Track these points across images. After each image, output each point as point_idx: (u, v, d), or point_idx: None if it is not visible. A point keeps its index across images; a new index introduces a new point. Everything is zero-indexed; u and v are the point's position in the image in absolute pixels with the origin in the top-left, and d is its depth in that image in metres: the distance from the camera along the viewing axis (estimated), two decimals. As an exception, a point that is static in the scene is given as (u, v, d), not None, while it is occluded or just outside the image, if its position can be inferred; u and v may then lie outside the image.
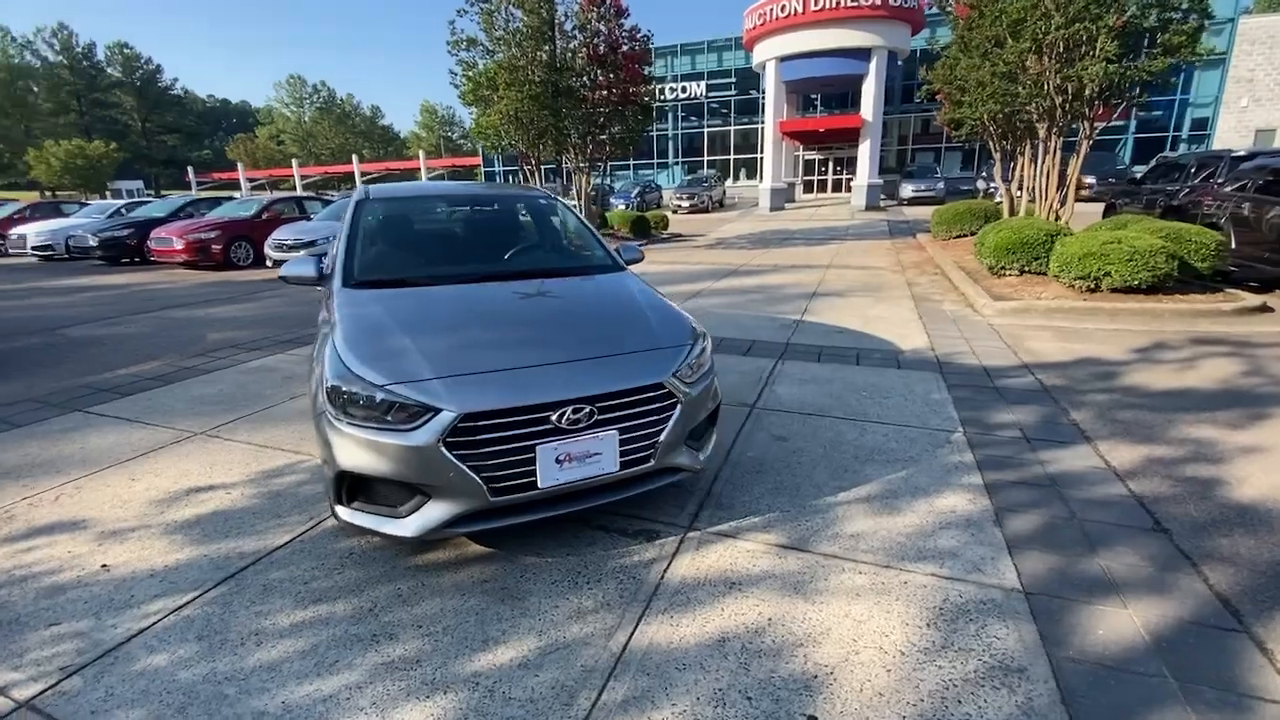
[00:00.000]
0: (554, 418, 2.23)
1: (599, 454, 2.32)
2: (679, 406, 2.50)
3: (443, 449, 2.12)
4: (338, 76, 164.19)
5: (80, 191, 46.18)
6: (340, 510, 2.31)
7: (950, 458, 3.30)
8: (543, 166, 15.40)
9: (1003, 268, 8.00)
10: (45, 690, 1.87)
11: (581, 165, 15.70)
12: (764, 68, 27.79)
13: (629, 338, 2.71)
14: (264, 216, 13.87)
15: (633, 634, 2.06)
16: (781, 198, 27.64)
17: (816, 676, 1.87)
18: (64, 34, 59.82)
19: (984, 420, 3.83)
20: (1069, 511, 2.74)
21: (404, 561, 2.46)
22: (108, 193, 46.80)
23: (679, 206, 27.97)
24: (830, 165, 35.31)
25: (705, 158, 38.92)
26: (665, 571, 2.39)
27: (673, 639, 2.03)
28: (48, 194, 46.25)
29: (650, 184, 31.61)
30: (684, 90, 37.84)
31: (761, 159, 31.41)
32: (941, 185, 25.05)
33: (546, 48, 13.42)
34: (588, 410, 2.28)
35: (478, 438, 2.16)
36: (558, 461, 2.25)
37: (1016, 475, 3.08)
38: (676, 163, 39.92)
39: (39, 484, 3.18)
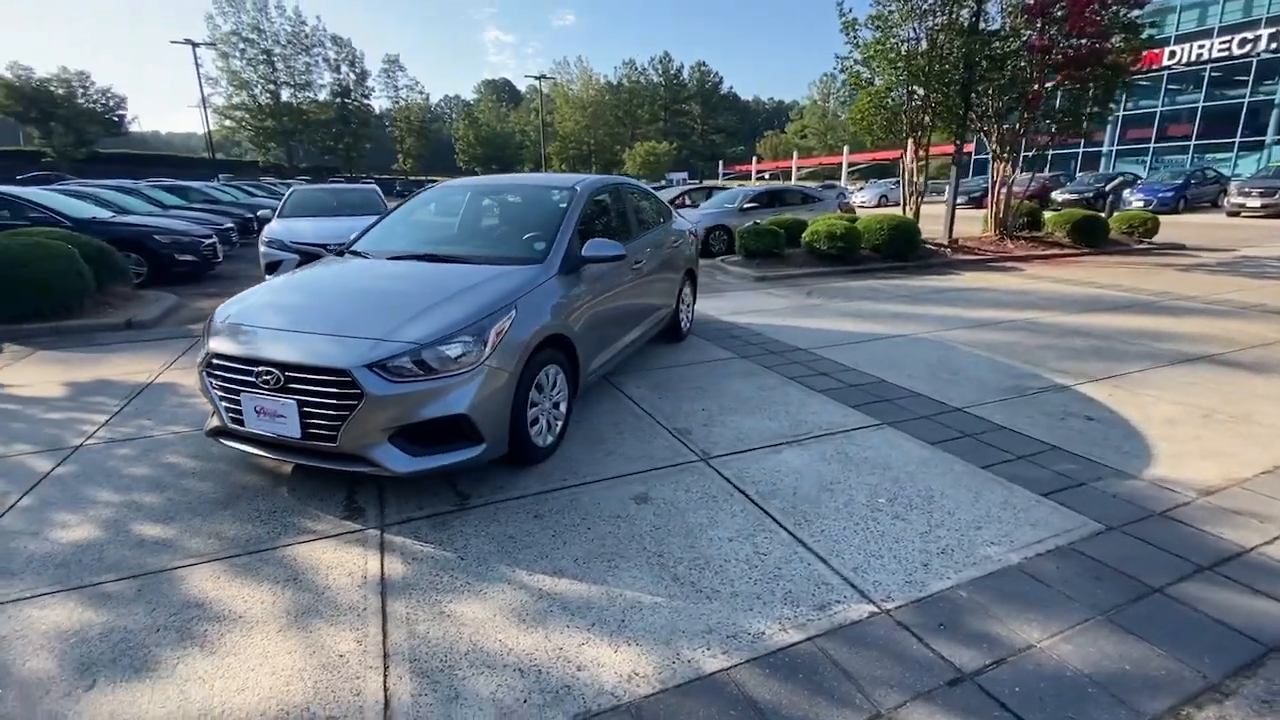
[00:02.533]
0: (254, 374, 2.77)
1: (284, 417, 2.75)
2: (364, 398, 2.64)
3: (201, 374, 2.97)
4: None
5: (642, 178, 62.63)
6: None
7: None
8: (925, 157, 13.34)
9: None
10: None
11: (1004, 152, 12.92)
12: None
13: (385, 323, 2.85)
14: (675, 202, 16.72)
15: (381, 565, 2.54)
16: None
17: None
18: (665, 61, 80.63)
19: None
20: None
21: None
22: (662, 181, 62.32)
23: (1240, 206, 19.64)
24: None
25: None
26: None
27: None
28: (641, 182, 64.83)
29: (1203, 173, 23.03)
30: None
31: None
32: None
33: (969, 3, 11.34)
34: (276, 375, 2.73)
35: (216, 374, 2.92)
36: (256, 411, 2.80)
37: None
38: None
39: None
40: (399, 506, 2.89)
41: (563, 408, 3.50)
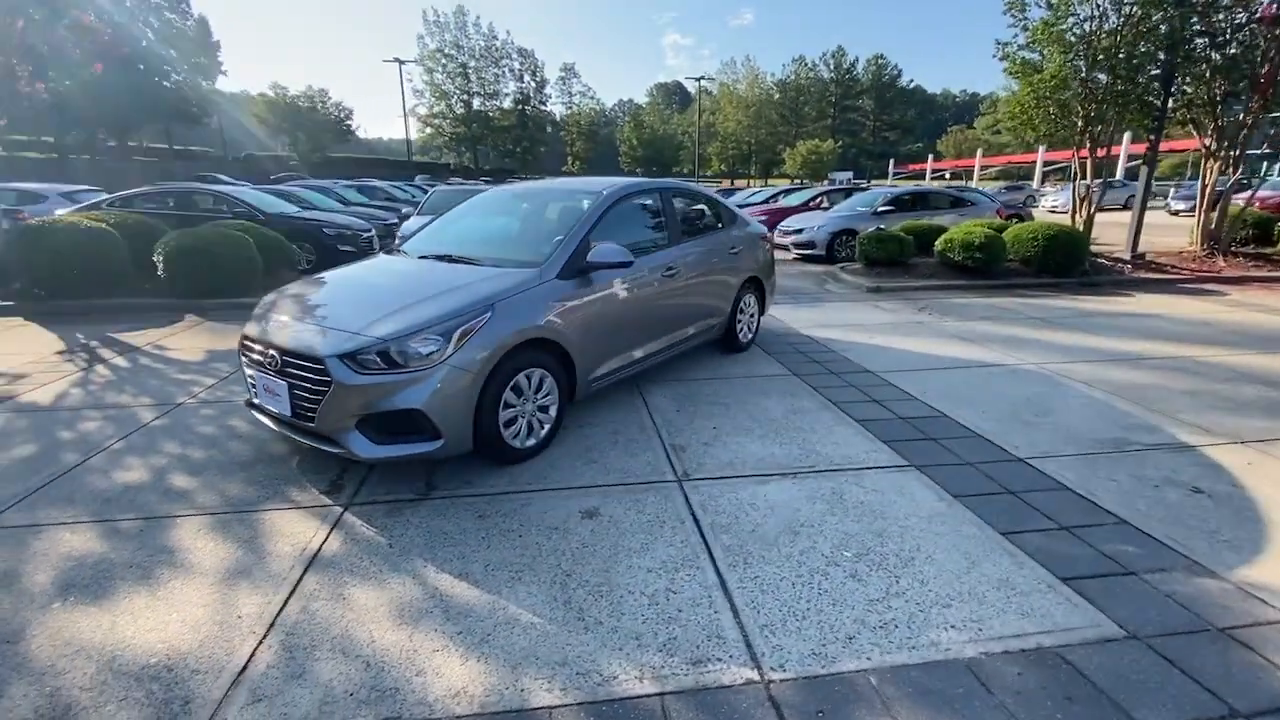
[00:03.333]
0: (264, 356, 3.14)
1: (279, 395, 3.08)
2: (333, 385, 2.87)
3: (238, 352, 3.42)
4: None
5: (803, 178, 60.27)
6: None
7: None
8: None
9: None
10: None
11: (1219, 149, 10.59)
12: None
13: (366, 318, 3.06)
14: (810, 205, 15.93)
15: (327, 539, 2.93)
16: None
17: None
18: (838, 55, 76.80)
19: None
20: None
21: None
22: (823, 182, 59.58)
23: None
24: None
25: None
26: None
27: (200, 529, 2.80)
28: (795, 182, 62.70)
29: None
30: None
31: None
32: None
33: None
34: (275, 359, 3.07)
35: (244, 353, 3.34)
36: (264, 389, 3.17)
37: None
38: None
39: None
40: (371, 489, 3.11)
41: (552, 411, 3.51)
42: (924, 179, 54.89)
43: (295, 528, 2.77)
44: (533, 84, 66.93)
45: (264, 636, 2.11)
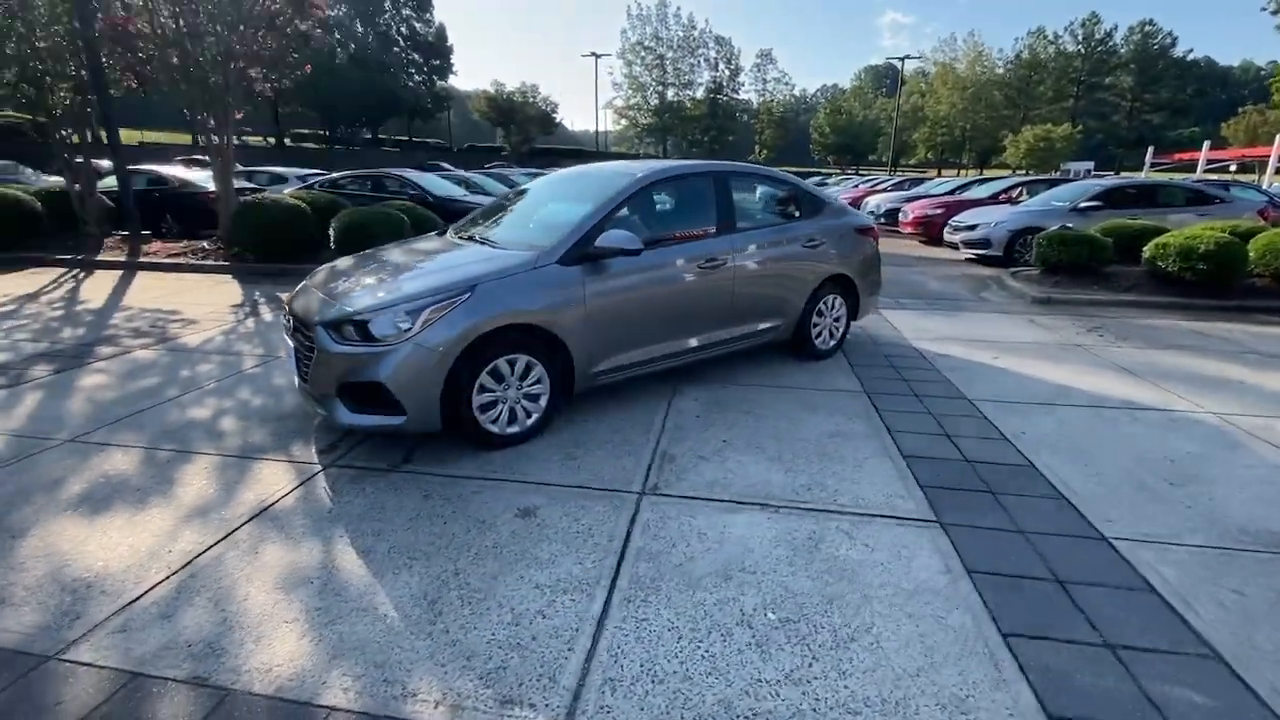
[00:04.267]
0: (286, 319, 3.43)
1: (290, 357, 3.35)
2: (315, 352, 3.05)
3: (283, 317, 3.79)
4: None
5: (1028, 167, 52.21)
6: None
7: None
8: None
9: None
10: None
11: None
12: None
13: (361, 292, 3.24)
14: (1001, 197, 13.72)
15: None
16: None
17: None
18: (1090, 23, 64.81)
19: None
20: None
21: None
22: (1055, 171, 50.99)
23: None
24: None
25: None
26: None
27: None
28: (1017, 173, 54.75)
29: None
30: None
31: None
32: None
33: None
34: (290, 322, 3.34)
35: (284, 319, 3.68)
36: (288, 351, 3.47)
37: None
38: None
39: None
40: (355, 455, 3.26)
41: (542, 401, 3.39)
42: (1194, 171, 44.15)
43: (273, 479, 3.00)
44: (726, 72, 66.46)
45: (171, 574, 2.29)
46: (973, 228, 10.89)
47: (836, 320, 4.96)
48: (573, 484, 2.97)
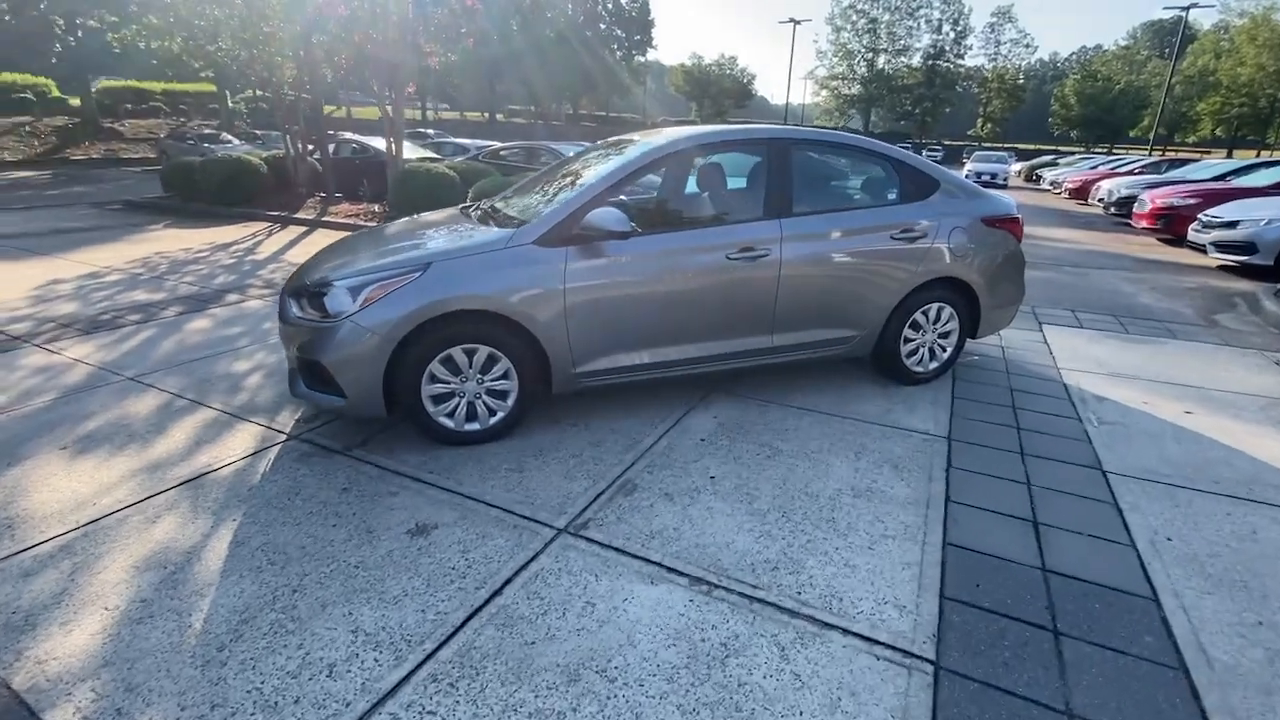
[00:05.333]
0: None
1: (287, 323, 3.33)
2: (281, 320, 2.96)
3: None
4: None
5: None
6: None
7: None
8: None
9: None
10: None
11: None
12: None
13: (332, 264, 3.05)
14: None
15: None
16: None
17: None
18: None
19: None
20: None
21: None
22: None
23: None
24: None
25: None
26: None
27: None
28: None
29: None
30: None
31: None
32: None
33: None
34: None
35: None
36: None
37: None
38: None
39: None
40: (324, 431, 3.16)
41: (510, 399, 2.99)
42: None
43: (236, 444, 3.00)
44: (951, 34, 58.71)
45: (68, 531, 2.32)
46: (1232, 225, 8.15)
47: (942, 337, 3.84)
48: (498, 503, 2.55)
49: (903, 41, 59.45)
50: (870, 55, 60.13)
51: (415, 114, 39.87)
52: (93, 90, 26.97)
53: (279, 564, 2.17)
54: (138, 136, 26.40)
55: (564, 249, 2.92)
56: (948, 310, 3.77)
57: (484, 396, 2.95)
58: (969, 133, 65.85)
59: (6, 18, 21.34)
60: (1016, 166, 31.83)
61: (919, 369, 3.85)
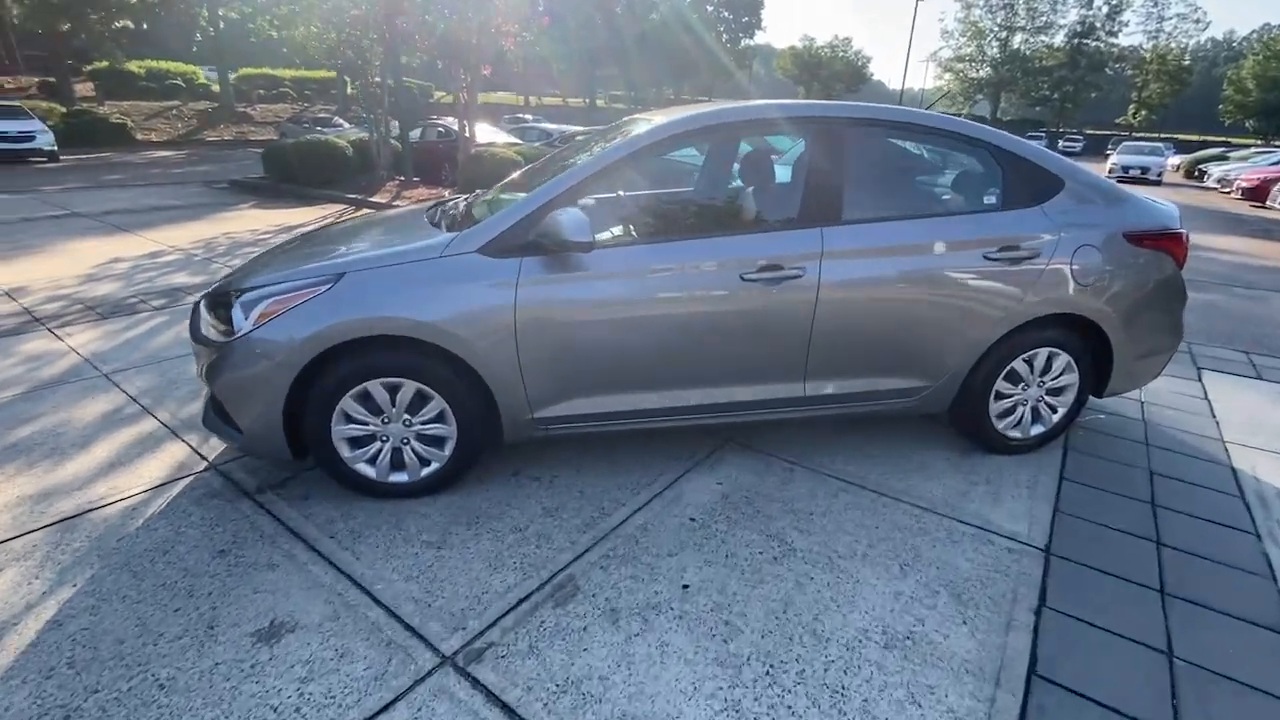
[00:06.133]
0: None
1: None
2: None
3: None
4: None
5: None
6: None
7: None
8: None
9: None
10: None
11: None
12: None
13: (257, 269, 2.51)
14: None
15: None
16: None
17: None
18: None
19: None
20: None
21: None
22: None
23: None
24: None
25: None
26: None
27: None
28: None
29: None
30: None
31: None
32: None
33: None
34: None
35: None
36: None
37: None
38: None
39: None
40: (248, 463, 2.68)
41: (447, 448, 2.37)
42: None
43: (147, 472, 2.58)
44: (1104, 9, 51.89)
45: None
46: None
47: (1053, 394, 2.82)
48: (384, 600, 1.93)
49: (1045, 18, 53.31)
50: (1004, 34, 54.44)
51: (518, 99, 40.54)
52: (230, 77, 29.37)
53: (78, 667, 1.67)
54: (265, 120, 28.50)
55: (518, 260, 2.24)
56: (1063, 358, 2.74)
57: (413, 442, 2.35)
58: (1117, 120, 58.36)
59: (157, 10, 23.52)
60: (1175, 160, 27.54)
61: (1015, 434, 2.85)
